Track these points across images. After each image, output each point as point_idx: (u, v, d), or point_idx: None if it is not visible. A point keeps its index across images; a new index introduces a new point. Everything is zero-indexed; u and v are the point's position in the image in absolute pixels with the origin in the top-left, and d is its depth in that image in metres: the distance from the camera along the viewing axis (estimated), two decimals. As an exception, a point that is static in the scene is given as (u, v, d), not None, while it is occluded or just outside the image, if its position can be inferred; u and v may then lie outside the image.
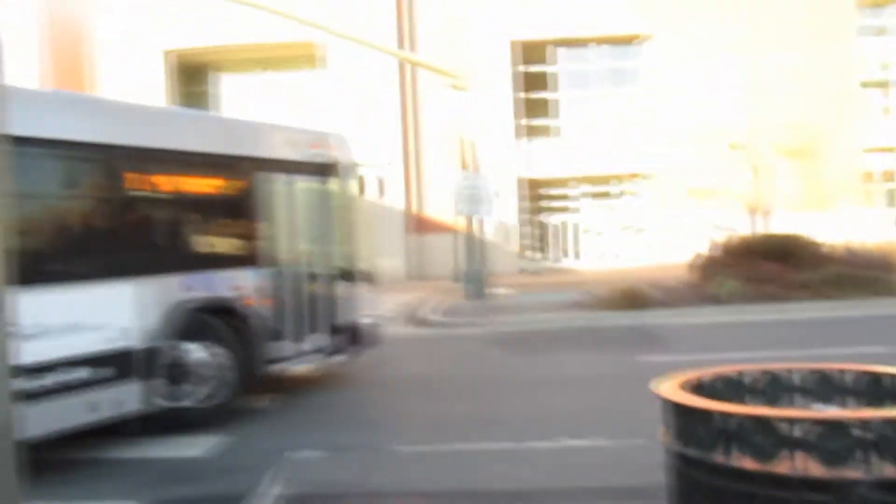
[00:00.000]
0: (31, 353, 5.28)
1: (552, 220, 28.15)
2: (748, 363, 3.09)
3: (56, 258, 5.95)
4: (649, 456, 3.90)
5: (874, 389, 2.60)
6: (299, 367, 8.35)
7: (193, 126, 7.78)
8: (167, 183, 6.94)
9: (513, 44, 25.05)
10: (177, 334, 6.73)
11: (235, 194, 7.57)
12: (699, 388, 2.72)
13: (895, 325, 11.14)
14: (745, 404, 2.76)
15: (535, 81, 26.38)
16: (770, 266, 13.78)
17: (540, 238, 28.10)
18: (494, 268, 19.41)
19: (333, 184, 8.64)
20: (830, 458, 2.02)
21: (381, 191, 9.38)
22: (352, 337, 8.68)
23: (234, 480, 5.42)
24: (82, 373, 5.92)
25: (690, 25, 22.96)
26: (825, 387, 2.79)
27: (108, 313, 6.20)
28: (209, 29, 24.51)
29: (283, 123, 8.95)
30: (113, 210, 6.38)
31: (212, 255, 7.32)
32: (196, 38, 25.37)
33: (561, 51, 26.19)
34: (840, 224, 19.59)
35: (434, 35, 23.71)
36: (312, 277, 8.29)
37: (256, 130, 8.33)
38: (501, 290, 17.80)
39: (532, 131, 26.80)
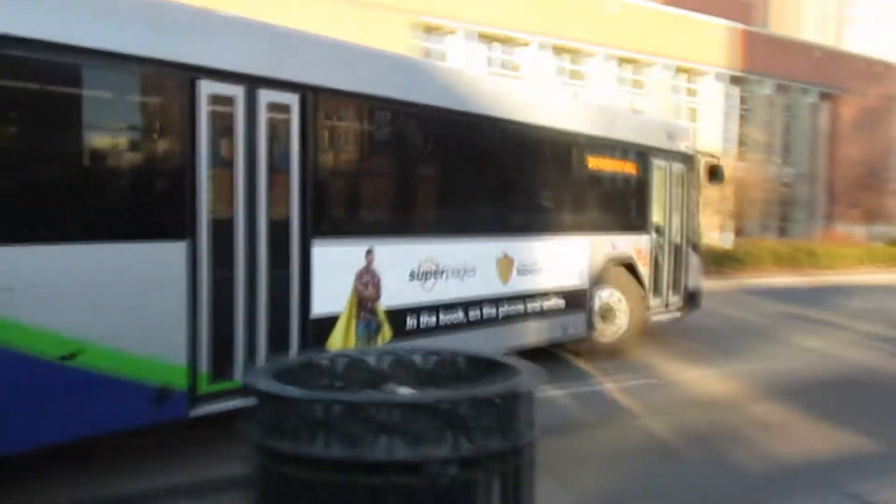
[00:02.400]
0: (539, 282, 7.70)
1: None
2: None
3: (543, 214, 8.10)
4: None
5: (446, 371, 2.77)
6: (662, 319, 9.97)
7: (622, 120, 9.65)
8: (610, 164, 8.96)
9: None
10: (601, 281, 8.69)
11: (638, 174, 9.36)
12: (287, 376, 2.59)
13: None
14: (332, 390, 2.72)
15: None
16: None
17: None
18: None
19: (690, 169, 10.28)
20: (418, 441, 2.06)
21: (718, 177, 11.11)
22: (695, 299, 10.52)
23: None
24: (559, 302, 8.07)
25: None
26: (403, 370, 2.89)
27: (573, 259, 8.31)
28: None
29: (661, 118, 11.30)
30: (580, 183, 8.49)
31: (622, 222, 9.17)
32: None
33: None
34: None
35: None
36: (676, 247, 9.99)
37: (650, 123, 10.41)
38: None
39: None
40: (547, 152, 8.16)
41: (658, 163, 9.70)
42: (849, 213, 34.78)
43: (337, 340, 5.81)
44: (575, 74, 27.32)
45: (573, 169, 8.42)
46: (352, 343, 5.92)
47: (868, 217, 34.84)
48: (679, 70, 30.26)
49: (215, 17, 5.20)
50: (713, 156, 11.67)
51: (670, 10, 29.46)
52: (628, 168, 9.28)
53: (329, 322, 5.79)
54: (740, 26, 32.26)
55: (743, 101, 32.52)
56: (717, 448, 5.86)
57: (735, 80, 31.99)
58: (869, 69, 37.18)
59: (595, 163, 8.69)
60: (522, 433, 2.16)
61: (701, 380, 8.26)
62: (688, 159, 10.31)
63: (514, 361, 2.42)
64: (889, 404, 7.52)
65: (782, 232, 33.00)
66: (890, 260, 27.13)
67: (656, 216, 9.72)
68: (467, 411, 2.05)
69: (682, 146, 10.23)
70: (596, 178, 8.80)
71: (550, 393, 7.33)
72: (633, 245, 9.24)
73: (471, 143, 7.21)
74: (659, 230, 9.76)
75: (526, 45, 26.08)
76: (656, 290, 9.71)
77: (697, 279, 10.64)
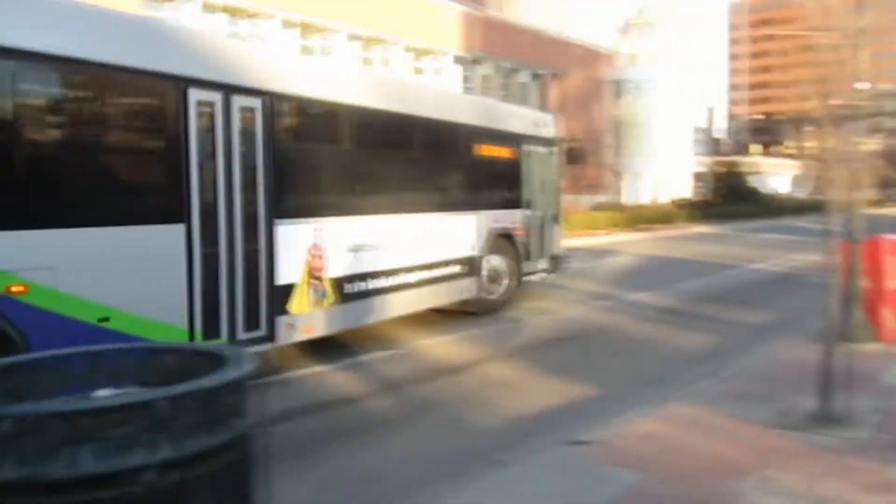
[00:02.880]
0: (444, 253, 9.38)
1: None
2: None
3: (445, 195, 9.66)
4: None
5: (151, 368, 2.50)
6: (533, 279, 11.59)
7: (501, 112, 11.49)
8: (493, 150, 10.54)
9: None
10: (488, 249, 10.37)
11: (514, 158, 11.00)
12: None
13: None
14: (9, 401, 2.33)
15: None
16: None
17: None
18: None
19: (551, 152, 11.76)
20: (110, 449, 1.83)
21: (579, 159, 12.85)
22: (557, 262, 12.05)
23: None
24: (458, 269, 9.71)
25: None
26: (101, 371, 2.56)
27: (467, 232, 9.94)
28: None
29: (527, 107, 12.99)
30: (471, 168, 10.05)
31: (502, 200, 10.84)
32: None
33: None
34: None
35: None
36: (542, 219, 11.63)
37: (522, 113, 11.74)
38: None
39: None
40: (447, 143, 9.66)
41: (529, 148, 11.31)
42: (568, 184, 38.35)
43: (295, 304, 7.07)
44: (322, 51, 26.98)
45: (466, 156, 9.96)
46: (307, 307, 7.21)
47: (581, 188, 38.60)
48: (418, 51, 31.16)
49: (198, 34, 6.59)
50: (574, 140, 13.18)
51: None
52: (506, 153, 10.92)
53: (289, 289, 7.01)
54: (473, 10, 33.95)
55: (467, 80, 34.25)
56: (456, 412, 6.12)
57: (468, 62, 33.65)
58: (580, 53, 41.05)
59: (481, 150, 10.23)
60: (234, 426, 2.01)
61: (442, 346, 8.61)
62: (551, 143, 11.95)
63: (224, 350, 2.25)
64: (603, 352, 8.38)
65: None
66: (607, 225, 30.32)
67: (528, 193, 11.35)
68: (166, 410, 1.85)
69: (547, 132, 11.89)
70: (482, 163, 10.31)
71: (298, 373, 7.20)
72: (511, 219, 10.99)
73: (391, 136, 8.70)
74: (530, 205, 11.41)
75: (271, 18, 25.24)
76: (529, 255, 11.44)
77: (559, 245, 12.30)
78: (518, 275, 11.10)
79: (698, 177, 52.11)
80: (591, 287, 13.51)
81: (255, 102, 6.60)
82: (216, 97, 6.24)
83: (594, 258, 19.23)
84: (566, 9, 47.17)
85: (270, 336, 6.73)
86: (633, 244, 24.20)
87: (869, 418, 5.27)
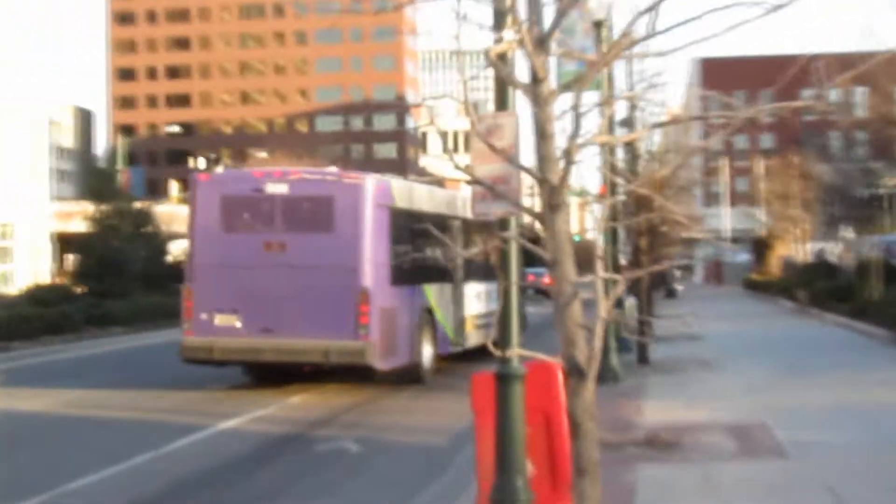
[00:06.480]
0: (481, 308, 17.12)
1: None
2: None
3: (483, 274, 17.16)
4: None
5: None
6: None
7: None
8: None
9: None
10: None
11: None
12: None
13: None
14: None
15: None
16: None
17: None
18: None
19: None
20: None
21: None
22: None
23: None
24: (490, 319, 16.31)
25: None
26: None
27: (492, 296, 16.72)
28: None
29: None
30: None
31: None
32: None
33: None
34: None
35: None
36: None
37: None
38: None
39: None
40: None
41: None
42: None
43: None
44: None
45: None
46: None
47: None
48: None
49: (458, 195, 17.25)
50: None
51: None
52: None
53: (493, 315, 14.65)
54: None
55: None
56: None
57: None
58: None
59: None
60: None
61: None
62: None
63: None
64: None
65: None
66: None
67: None
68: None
69: None
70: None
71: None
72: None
73: None
74: None
75: None
76: None
77: None
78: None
79: (68, 242, 31.00)
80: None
81: (459, 222, 16.25)
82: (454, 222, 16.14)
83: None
84: None
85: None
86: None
87: None
